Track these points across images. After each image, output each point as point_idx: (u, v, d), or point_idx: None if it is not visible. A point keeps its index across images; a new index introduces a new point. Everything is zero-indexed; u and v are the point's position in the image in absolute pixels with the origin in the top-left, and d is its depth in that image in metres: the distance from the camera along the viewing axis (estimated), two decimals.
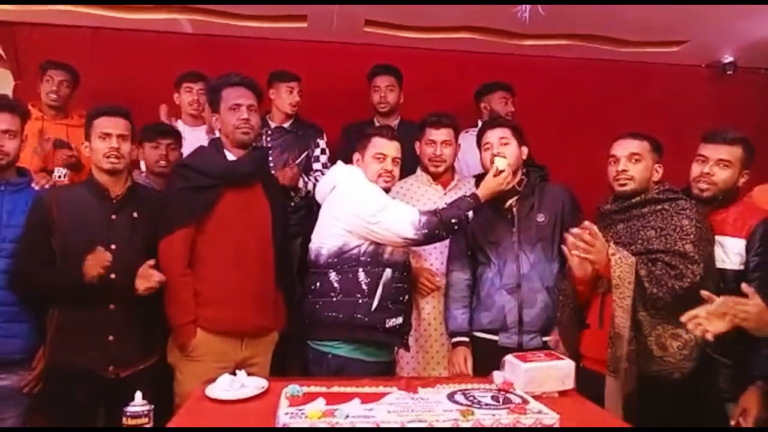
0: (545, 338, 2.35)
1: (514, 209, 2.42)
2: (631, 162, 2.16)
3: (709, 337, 1.68)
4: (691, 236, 2.01)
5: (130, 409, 1.47)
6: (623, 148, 2.18)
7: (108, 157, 2.17)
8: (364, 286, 2.23)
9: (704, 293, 1.72)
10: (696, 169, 2.23)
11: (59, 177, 3.00)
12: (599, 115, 3.79)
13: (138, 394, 1.50)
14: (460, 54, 3.89)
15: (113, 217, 2.19)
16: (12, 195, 2.20)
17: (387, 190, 2.39)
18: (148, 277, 2.09)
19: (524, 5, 2.77)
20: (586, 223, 2.00)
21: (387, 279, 2.25)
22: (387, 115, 3.39)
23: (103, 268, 2.02)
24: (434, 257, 2.62)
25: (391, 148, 2.38)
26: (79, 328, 2.11)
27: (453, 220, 2.25)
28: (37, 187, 2.35)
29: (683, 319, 1.71)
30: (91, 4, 3.38)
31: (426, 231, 2.22)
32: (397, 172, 2.41)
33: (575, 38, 3.71)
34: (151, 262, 2.10)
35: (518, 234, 2.39)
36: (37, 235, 2.13)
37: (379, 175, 2.36)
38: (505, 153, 2.37)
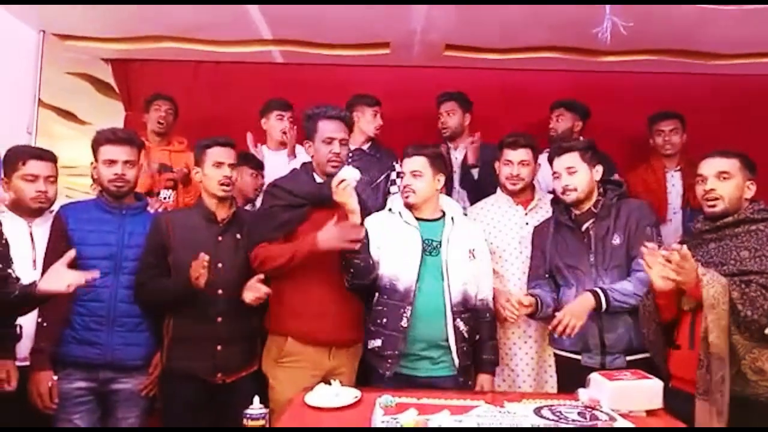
0: (629, 357, 2.31)
1: (591, 232, 2.40)
2: (719, 181, 2.11)
3: None
4: None
5: (249, 411, 1.62)
6: (711, 166, 2.14)
7: (221, 184, 2.38)
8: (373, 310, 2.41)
9: None
10: None
11: (165, 198, 3.31)
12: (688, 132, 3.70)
13: (256, 399, 1.65)
14: (539, 73, 3.93)
15: (219, 238, 2.40)
16: (132, 218, 2.43)
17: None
18: (257, 290, 2.27)
19: (604, 25, 2.78)
20: (675, 245, 1.97)
21: (374, 301, 2.39)
22: (451, 139, 3.49)
23: (203, 268, 2.18)
24: (512, 283, 2.64)
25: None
26: (190, 339, 2.33)
27: None
28: (152, 211, 2.57)
29: None
30: (194, 41, 3.69)
31: None
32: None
33: (659, 53, 3.66)
34: (261, 276, 2.28)
35: (595, 257, 2.37)
36: (155, 254, 2.36)
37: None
38: (574, 184, 2.39)
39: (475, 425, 1.57)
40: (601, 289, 2.30)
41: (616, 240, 2.37)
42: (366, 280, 2.34)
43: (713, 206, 2.11)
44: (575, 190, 2.39)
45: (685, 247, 1.96)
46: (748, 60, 3.68)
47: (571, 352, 2.40)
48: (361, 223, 2.30)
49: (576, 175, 2.40)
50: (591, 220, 2.42)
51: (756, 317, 1.90)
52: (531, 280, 2.54)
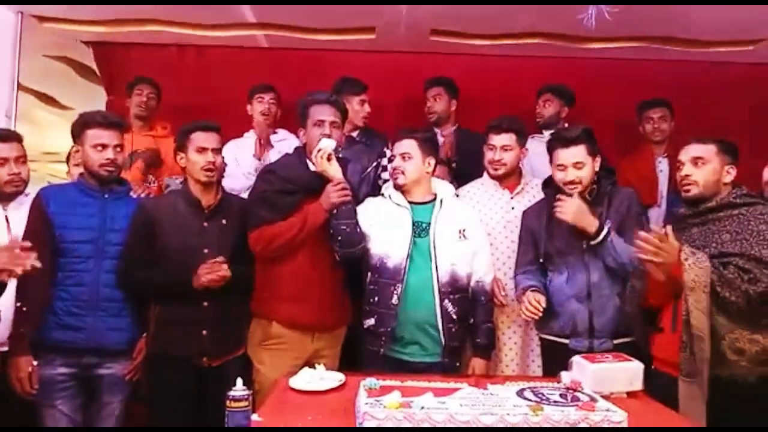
0: (616, 341, 2.32)
1: None
2: (694, 166, 2.15)
3: None
4: None
5: (232, 393, 1.63)
6: (687, 152, 2.19)
7: (205, 170, 2.36)
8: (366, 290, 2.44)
9: None
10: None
11: (150, 183, 3.28)
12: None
13: (239, 381, 1.66)
14: (525, 59, 3.92)
15: (205, 224, 2.38)
16: (115, 202, 2.38)
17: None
18: (214, 271, 2.24)
19: (589, 11, 2.78)
20: (655, 227, 2.01)
21: (367, 281, 2.41)
22: (437, 124, 3.47)
23: (220, 278, 2.22)
24: (496, 267, 2.62)
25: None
26: (177, 323, 2.31)
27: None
28: (134, 195, 2.55)
29: None
30: (177, 24, 3.64)
31: None
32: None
33: (644, 40, 3.67)
34: (221, 258, 2.26)
35: (587, 243, 2.36)
36: (140, 240, 2.33)
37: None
38: (580, 178, 2.35)
39: (458, 407, 1.58)
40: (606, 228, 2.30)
41: (608, 225, 2.35)
42: (354, 248, 2.37)
43: (688, 191, 2.16)
44: (580, 183, 2.36)
45: (669, 227, 1.99)
46: (734, 48, 3.71)
47: (559, 336, 2.41)
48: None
49: (583, 169, 2.36)
50: None
51: (734, 298, 1.95)
52: (519, 265, 2.54)
